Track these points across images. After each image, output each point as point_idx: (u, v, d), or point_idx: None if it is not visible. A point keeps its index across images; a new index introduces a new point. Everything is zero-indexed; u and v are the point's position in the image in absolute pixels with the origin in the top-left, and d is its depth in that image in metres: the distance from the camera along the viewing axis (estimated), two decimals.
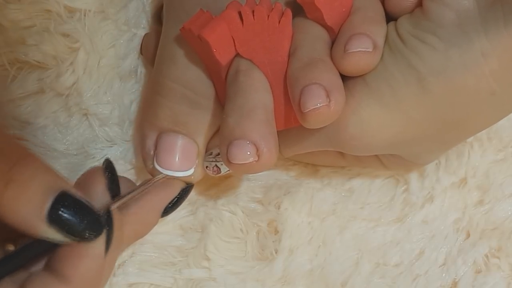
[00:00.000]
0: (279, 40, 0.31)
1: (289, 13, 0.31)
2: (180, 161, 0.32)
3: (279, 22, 0.30)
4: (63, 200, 0.26)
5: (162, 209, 0.32)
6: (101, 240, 0.27)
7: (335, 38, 0.31)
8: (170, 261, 0.37)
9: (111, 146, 0.38)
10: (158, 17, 0.38)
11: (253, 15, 0.30)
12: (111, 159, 0.31)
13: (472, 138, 0.38)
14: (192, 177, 0.33)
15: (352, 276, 0.37)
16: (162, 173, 0.32)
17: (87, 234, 0.26)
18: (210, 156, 0.33)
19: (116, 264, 0.36)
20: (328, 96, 0.28)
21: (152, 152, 0.32)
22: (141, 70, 0.38)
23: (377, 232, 0.38)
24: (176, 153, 0.32)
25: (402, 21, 0.31)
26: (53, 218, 0.26)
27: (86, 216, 0.26)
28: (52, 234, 0.26)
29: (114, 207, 0.28)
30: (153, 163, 0.32)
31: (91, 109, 0.38)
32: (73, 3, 0.38)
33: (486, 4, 0.28)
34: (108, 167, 0.30)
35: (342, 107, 0.29)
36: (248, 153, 0.28)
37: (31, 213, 0.25)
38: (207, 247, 0.37)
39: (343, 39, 0.30)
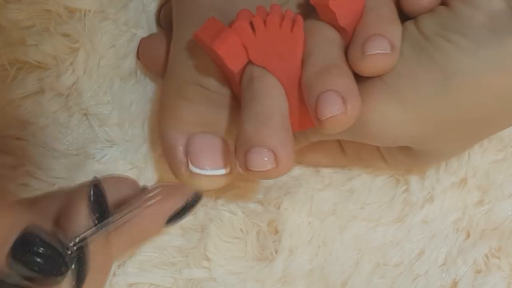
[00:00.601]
0: (292, 48, 0.30)
1: (300, 20, 0.31)
2: (217, 159, 0.31)
3: (292, 30, 0.30)
4: (26, 238, 0.25)
5: (166, 219, 0.31)
6: (67, 279, 0.26)
7: (349, 39, 0.31)
8: (170, 261, 0.37)
9: (111, 146, 0.38)
10: (165, 20, 0.38)
11: (265, 25, 0.30)
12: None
13: None
14: (229, 175, 0.32)
15: (352, 276, 0.37)
16: (203, 175, 0.31)
17: (54, 272, 0.25)
18: None
19: (116, 264, 0.36)
20: (344, 102, 0.28)
21: (185, 158, 0.31)
22: (141, 70, 0.38)
23: (377, 232, 0.38)
24: (211, 152, 0.31)
25: (424, 20, 0.31)
26: (16, 257, 0.25)
27: (50, 255, 0.25)
28: (18, 270, 0.25)
29: (89, 235, 0.27)
30: (187, 168, 0.31)
31: (91, 109, 0.38)
32: (73, 3, 0.38)
33: None
34: (95, 186, 0.29)
35: (359, 111, 0.29)
36: (267, 160, 0.28)
37: None
38: (207, 247, 0.37)
39: (360, 40, 0.30)
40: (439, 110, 0.30)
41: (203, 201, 0.38)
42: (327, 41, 0.31)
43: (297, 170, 0.39)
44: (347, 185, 0.38)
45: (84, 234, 0.28)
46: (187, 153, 0.31)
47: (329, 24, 0.31)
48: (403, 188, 0.38)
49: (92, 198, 0.29)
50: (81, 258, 0.27)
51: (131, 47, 0.39)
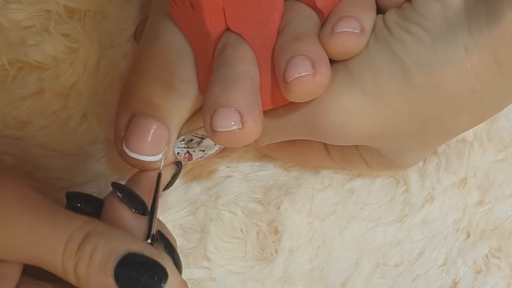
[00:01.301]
0: (270, 12, 0.30)
1: None
2: (149, 145, 0.31)
3: None
4: (126, 262, 0.27)
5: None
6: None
7: (324, 21, 0.31)
8: None
9: (111, 146, 0.38)
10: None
11: None
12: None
13: (472, 138, 0.38)
14: (160, 163, 0.32)
15: (352, 276, 0.37)
16: (130, 156, 0.31)
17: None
18: (182, 142, 0.32)
19: None
20: (313, 67, 0.28)
21: (122, 133, 0.32)
22: None
23: (377, 232, 0.38)
24: (146, 137, 0.31)
25: (390, 12, 0.31)
26: (119, 280, 0.27)
27: (149, 269, 0.27)
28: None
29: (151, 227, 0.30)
30: (122, 145, 0.32)
31: (91, 109, 0.38)
32: (73, 3, 0.38)
33: (471, 0, 0.28)
34: (119, 189, 0.31)
35: (327, 81, 0.29)
36: (233, 121, 0.28)
37: (100, 280, 0.27)
38: (207, 247, 0.37)
39: (332, 21, 0.30)
40: (398, 104, 0.30)
41: (203, 201, 0.38)
42: (304, 16, 0.31)
43: (297, 170, 0.39)
44: (347, 185, 0.38)
45: (149, 229, 0.30)
46: (126, 130, 0.32)
47: (307, 5, 0.32)
48: (403, 188, 0.38)
49: (122, 197, 0.30)
50: (167, 246, 0.30)
51: (131, 47, 0.39)
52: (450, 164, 0.38)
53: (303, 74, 0.28)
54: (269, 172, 0.38)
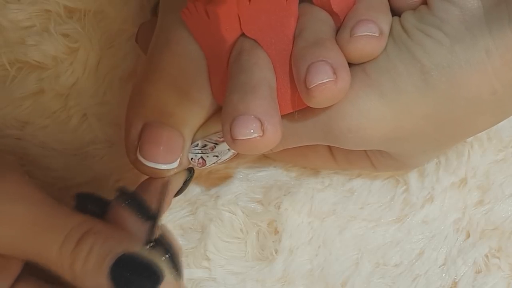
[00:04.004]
0: (285, 18, 0.30)
1: None
2: (165, 153, 0.31)
3: (287, 0, 0.30)
4: (121, 263, 0.27)
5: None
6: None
7: (340, 25, 0.31)
8: None
9: (111, 146, 0.38)
10: (155, 11, 0.38)
11: None
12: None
13: (472, 138, 0.38)
14: (176, 170, 0.32)
15: (352, 276, 0.37)
16: (146, 165, 0.31)
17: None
18: (196, 148, 0.32)
19: None
20: (335, 73, 0.28)
21: (136, 143, 0.31)
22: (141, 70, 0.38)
23: (377, 232, 0.38)
24: (160, 145, 0.31)
25: (406, 15, 0.31)
26: (114, 280, 0.27)
27: (144, 270, 0.27)
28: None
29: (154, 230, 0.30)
30: (136, 154, 0.31)
31: (91, 109, 0.38)
32: (73, 3, 0.38)
33: (491, 3, 0.28)
34: (125, 194, 0.30)
35: (348, 86, 0.29)
36: (252, 129, 0.28)
37: (95, 279, 0.27)
38: (207, 247, 0.37)
39: (350, 24, 0.30)
40: (416, 108, 0.30)
41: (203, 201, 0.38)
42: (320, 20, 0.31)
43: (297, 170, 0.39)
44: (347, 185, 0.38)
45: (149, 232, 0.30)
46: (139, 139, 0.31)
47: (322, 8, 0.31)
48: (403, 188, 0.38)
49: (127, 202, 0.30)
50: (169, 252, 0.29)
51: (131, 47, 0.39)
52: (449, 164, 0.38)
53: (325, 80, 0.28)
54: (269, 172, 0.38)
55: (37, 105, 0.38)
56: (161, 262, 0.28)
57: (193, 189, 0.38)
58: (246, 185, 0.38)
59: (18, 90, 0.37)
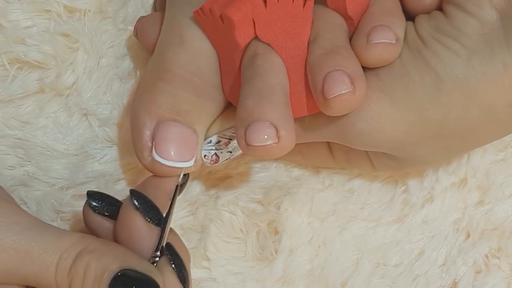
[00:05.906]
0: (301, 25, 0.30)
1: None
2: (182, 151, 0.31)
3: (304, 6, 0.30)
4: (119, 279, 0.27)
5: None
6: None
7: (354, 29, 0.31)
8: None
9: (111, 146, 0.38)
10: (162, 5, 0.38)
11: None
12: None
13: None
14: (193, 168, 0.32)
15: (352, 276, 0.37)
16: (163, 163, 0.31)
17: None
18: (210, 144, 0.32)
19: None
20: (352, 82, 0.28)
21: (150, 143, 0.31)
22: (141, 70, 0.38)
23: (377, 232, 0.38)
24: (178, 143, 0.31)
25: (421, 21, 0.31)
26: None
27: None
28: None
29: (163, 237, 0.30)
30: (151, 155, 0.31)
31: (91, 109, 0.38)
32: (73, 3, 0.38)
33: (509, 17, 0.28)
34: (136, 197, 0.30)
35: (365, 94, 0.29)
36: (268, 135, 0.28)
37: None
38: (207, 247, 0.37)
39: (365, 29, 0.30)
40: (428, 115, 0.30)
41: (203, 201, 0.38)
42: (334, 25, 0.31)
43: (297, 171, 0.39)
44: (347, 185, 0.38)
45: (159, 241, 0.30)
46: (153, 139, 0.31)
47: (336, 11, 0.31)
48: (402, 188, 0.38)
49: (138, 205, 0.30)
50: (174, 257, 0.30)
51: (131, 47, 0.39)
52: (449, 164, 0.38)
53: (343, 92, 0.28)
54: (269, 173, 0.38)
55: (37, 105, 0.38)
56: (164, 273, 0.28)
57: (193, 189, 0.38)
58: (246, 185, 0.38)
59: (18, 90, 0.37)
